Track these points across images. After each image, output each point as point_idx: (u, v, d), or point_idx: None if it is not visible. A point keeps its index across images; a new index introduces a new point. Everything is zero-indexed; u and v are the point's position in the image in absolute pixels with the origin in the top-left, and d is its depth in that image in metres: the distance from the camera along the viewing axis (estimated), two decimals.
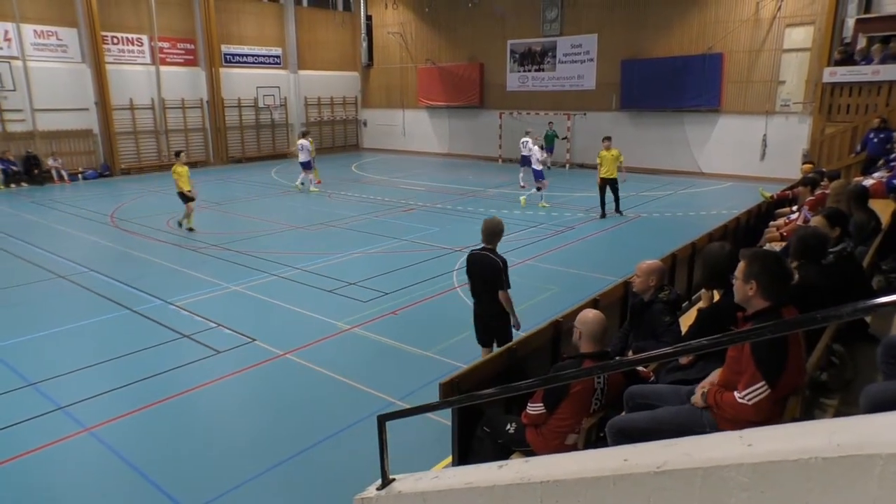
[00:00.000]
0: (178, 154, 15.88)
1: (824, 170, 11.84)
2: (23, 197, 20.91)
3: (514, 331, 6.58)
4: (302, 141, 21.20)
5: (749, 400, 2.98)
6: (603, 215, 16.49)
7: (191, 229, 15.20)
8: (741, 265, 3.28)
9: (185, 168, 15.16)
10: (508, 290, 6.38)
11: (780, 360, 2.96)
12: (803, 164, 13.84)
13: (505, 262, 6.41)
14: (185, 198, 15.06)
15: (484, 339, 6.78)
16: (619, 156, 16.18)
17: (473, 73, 30.29)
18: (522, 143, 20.48)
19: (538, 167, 18.07)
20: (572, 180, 23.74)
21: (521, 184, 21.66)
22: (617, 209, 16.65)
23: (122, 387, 7.22)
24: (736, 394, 3.07)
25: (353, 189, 21.83)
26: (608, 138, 16.60)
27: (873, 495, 1.35)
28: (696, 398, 3.37)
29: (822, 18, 20.18)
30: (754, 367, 2.98)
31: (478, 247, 6.59)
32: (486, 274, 6.40)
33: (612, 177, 16.17)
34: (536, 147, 18.36)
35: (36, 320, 9.41)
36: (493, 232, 6.44)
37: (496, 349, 5.93)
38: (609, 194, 16.42)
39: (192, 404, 6.92)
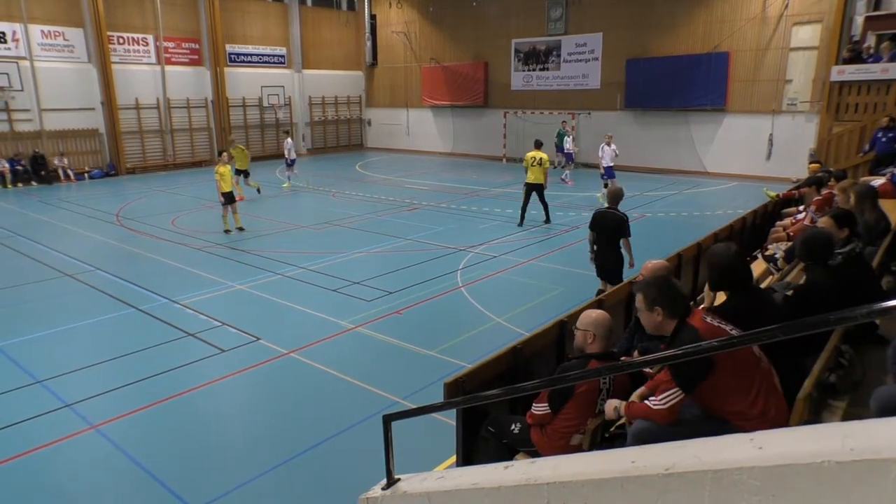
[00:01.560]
0: (220, 153, 15.43)
1: (831, 169, 11.75)
2: (30, 196, 20.99)
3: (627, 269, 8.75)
4: (290, 140, 22.46)
5: (665, 403, 3.22)
6: (521, 223, 15.38)
7: (241, 229, 15.00)
8: (639, 297, 3.48)
9: (228, 168, 14.90)
10: (629, 238, 8.63)
11: (695, 373, 3.11)
12: (810, 163, 13.76)
13: (627, 217, 8.62)
14: (229, 198, 14.77)
15: (602, 276, 8.99)
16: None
17: (478, 72, 30.26)
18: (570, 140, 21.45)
19: (609, 164, 18.02)
20: (577, 179, 23.66)
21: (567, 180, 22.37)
22: (546, 217, 15.56)
23: (127, 385, 7.23)
24: (650, 400, 3.31)
25: (357, 188, 21.83)
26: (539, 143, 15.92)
27: (888, 501, 1.32)
28: (609, 411, 3.68)
29: (830, 16, 20.04)
30: (670, 376, 3.22)
31: (603, 207, 8.85)
32: (612, 225, 8.55)
33: (539, 182, 15.26)
34: (611, 146, 18.08)
35: (43, 318, 9.43)
36: (617, 196, 8.73)
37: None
38: (537, 202, 15.49)
39: (197, 402, 6.93)
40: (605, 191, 17.56)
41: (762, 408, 3.12)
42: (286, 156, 22.01)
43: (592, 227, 8.74)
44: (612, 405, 3.68)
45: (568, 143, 22.79)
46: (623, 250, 8.68)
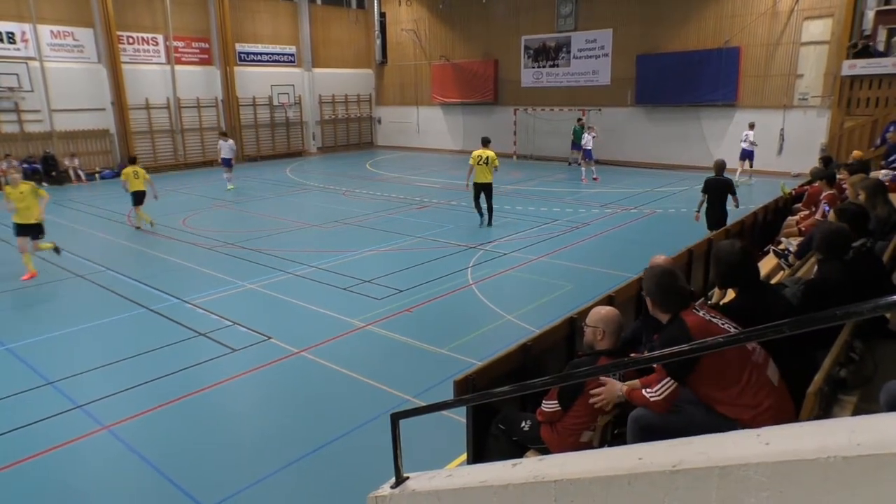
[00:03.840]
0: (134, 159, 16.59)
1: (831, 158, 11.84)
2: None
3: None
4: (231, 141, 22.41)
5: (661, 394, 3.35)
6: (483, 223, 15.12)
7: (139, 227, 15.67)
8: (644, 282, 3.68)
9: (132, 171, 15.65)
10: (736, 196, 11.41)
11: (681, 363, 3.21)
12: (819, 159, 13.71)
13: (731, 180, 11.47)
14: (142, 198, 15.47)
15: (712, 228, 11.07)
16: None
17: (488, 69, 30.21)
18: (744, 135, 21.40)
19: (750, 148, 20.05)
20: (586, 176, 23.60)
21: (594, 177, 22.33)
22: (486, 217, 15.16)
23: (139, 385, 7.28)
24: (647, 391, 3.41)
25: (367, 187, 21.87)
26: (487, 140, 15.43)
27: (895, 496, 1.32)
28: (613, 393, 3.75)
29: (841, 11, 19.90)
30: (662, 367, 3.36)
31: (712, 175, 11.34)
32: (721, 187, 11.19)
33: (488, 182, 14.78)
34: (752, 132, 20.07)
35: (54, 319, 9.51)
36: (721, 167, 11.39)
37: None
38: (483, 202, 15.08)
39: (208, 402, 6.96)
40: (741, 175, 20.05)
41: (753, 399, 3.16)
42: (228, 157, 21.75)
43: (705, 191, 11.37)
44: (615, 388, 3.70)
45: (588, 140, 22.57)
46: (730, 203, 11.33)
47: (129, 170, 15.61)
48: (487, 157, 14.66)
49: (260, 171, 26.72)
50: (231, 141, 22.41)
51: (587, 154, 22.44)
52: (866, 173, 8.84)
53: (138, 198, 15.50)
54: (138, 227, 15.69)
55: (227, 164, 21.82)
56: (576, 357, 4.54)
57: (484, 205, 15.04)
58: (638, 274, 7.02)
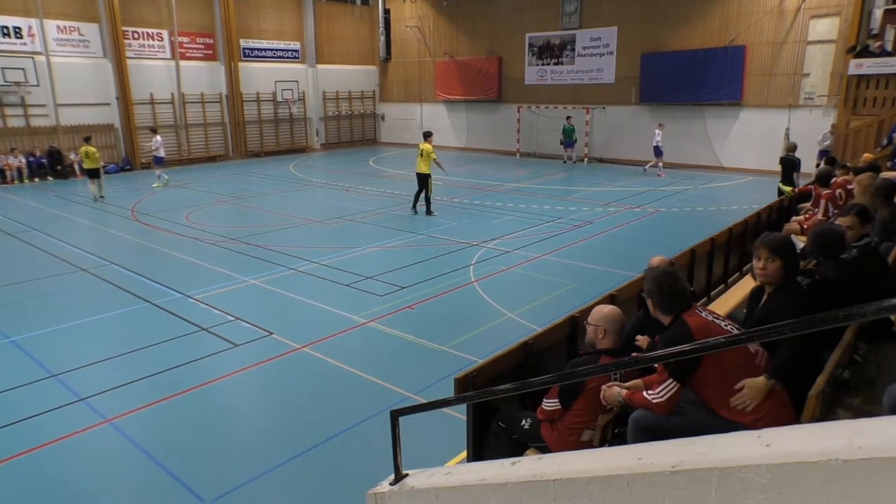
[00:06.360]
0: (87, 138, 19.92)
1: (835, 159, 11.85)
2: (46, 191, 21.20)
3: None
4: (159, 137, 22.35)
5: (663, 395, 3.34)
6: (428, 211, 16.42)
7: (102, 197, 18.84)
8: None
9: (94, 150, 19.02)
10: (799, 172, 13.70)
11: (684, 365, 3.22)
12: (824, 160, 13.72)
13: (800, 160, 13.88)
14: (98, 173, 18.84)
15: (779, 195, 12.52)
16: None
17: (491, 66, 30.15)
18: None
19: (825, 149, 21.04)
20: (591, 175, 23.59)
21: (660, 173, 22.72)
22: (426, 209, 16.44)
23: (141, 379, 7.29)
24: (649, 393, 3.41)
25: (370, 183, 21.87)
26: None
27: None
28: (612, 397, 3.75)
29: (849, 9, 19.80)
30: (664, 369, 3.39)
31: (783, 154, 13.97)
32: (788, 165, 13.57)
33: (420, 172, 16.19)
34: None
35: (58, 312, 9.53)
36: (793, 148, 13.86)
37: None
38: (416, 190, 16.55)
39: (209, 397, 6.97)
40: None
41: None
42: (159, 154, 21.71)
43: (780, 165, 13.96)
44: (614, 391, 3.70)
45: (658, 138, 22.78)
46: (795, 177, 13.51)
47: (82, 150, 18.74)
48: (422, 150, 16.22)
49: (263, 167, 26.73)
50: (159, 136, 22.23)
51: (657, 150, 22.74)
52: (876, 174, 8.80)
53: (92, 173, 18.88)
54: (102, 198, 18.83)
55: (157, 161, 21.75)
56: (577, 355, 4.53)
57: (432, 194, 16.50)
58: (640, 273, 7.02)
